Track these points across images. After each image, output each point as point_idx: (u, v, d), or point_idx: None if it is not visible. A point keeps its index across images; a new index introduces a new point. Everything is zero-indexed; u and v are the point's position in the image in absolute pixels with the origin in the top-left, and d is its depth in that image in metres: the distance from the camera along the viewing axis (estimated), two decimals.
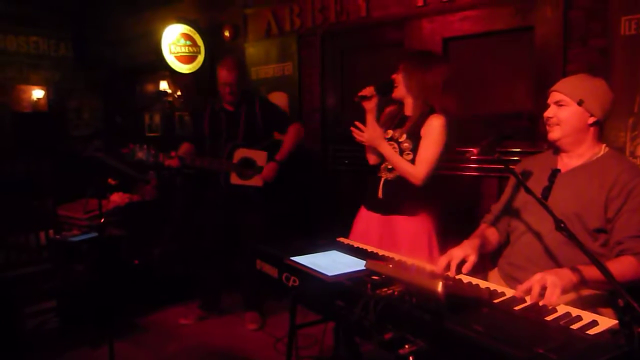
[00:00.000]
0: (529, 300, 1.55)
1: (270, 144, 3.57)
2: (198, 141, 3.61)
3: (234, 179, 3.49)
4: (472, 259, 1.83)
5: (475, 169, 3.54)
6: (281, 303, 3.87)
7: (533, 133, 3.24)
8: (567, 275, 1.61)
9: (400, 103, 2.67)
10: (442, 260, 1.85)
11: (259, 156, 3.52)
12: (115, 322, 3.14)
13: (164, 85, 5.74)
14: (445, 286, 1.35)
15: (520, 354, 1.14)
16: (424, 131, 2.50)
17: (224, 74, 3.43)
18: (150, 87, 6.27)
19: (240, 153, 3.49)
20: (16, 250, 3.49)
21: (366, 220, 2.69)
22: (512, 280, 1.99)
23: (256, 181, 3.51)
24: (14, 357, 3.11)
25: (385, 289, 1.50)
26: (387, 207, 2.59)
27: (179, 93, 5.60)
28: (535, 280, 1.56)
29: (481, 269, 2.22)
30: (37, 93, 7.01)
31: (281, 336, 3.35)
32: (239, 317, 3.74)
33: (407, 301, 1.44)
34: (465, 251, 1.86)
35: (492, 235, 2.18)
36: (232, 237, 3.66)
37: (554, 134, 1.95)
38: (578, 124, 1.91)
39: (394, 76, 2.60)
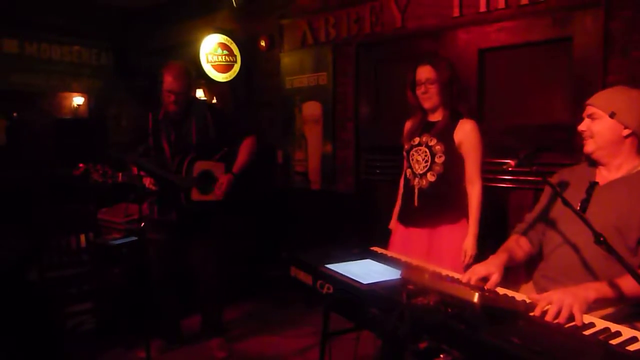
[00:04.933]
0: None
1: (224, 155, 3.31)
2: (145, 155, 3.22)
3: (195, 195, 3.17)
4: (495, 277, 1.81)
5: (509, 181, 3.51)
6: (311, 310, 3.92)
7: (570, 145, 3.19)
8: (583, 295, 1.55)
9: (423, 112, 2.67)
10: (464, 278, 1.86)
11: (217, 168, 3.25)
12: (152, 325, 3.21)
13: (199, 94, 5.88)
14: (481, 297, 1.36)
15: None
16: (460, 136, 2.53)
17: (169, 81, 3.10)
18: None
19: (199, 166, 3.19)
20: (58, 252, 3.60)
21: (405, 237, 2.68)
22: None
23: (216, 195, 3.21)
24: (53, 356, 3.21)
25: (421, 299, 1.51)
26: (425, 216, 2.59)
27: (214, 101, 5.72)
28: (554, 300, 1.52)
29: (514, 282, 2.21)
30: (78, 100, 7.29)
31: (311, 344, 3.38)
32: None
33: (442, 311, 1.44)
34: (489, 269, 1.85)
35: (524, 245, 2.15)
36: (184, 257, 3.37)
37: (588, 147, 1.95)
38: (612, 136, 1.89)
39: (423, 88, 2.59)
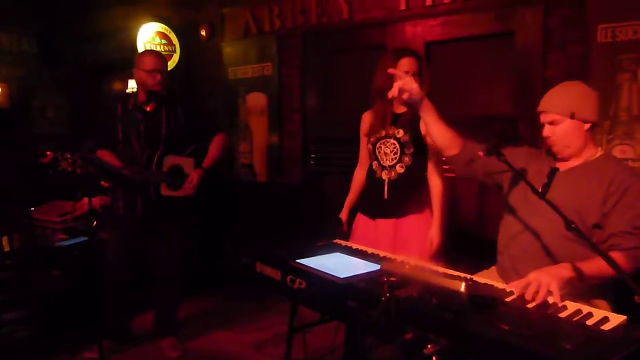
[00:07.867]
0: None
1: (194, 150, 3.22)
2: (113, 148, 3.11)
3: (165, 190, 3.06)
4: None
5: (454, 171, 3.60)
6: (263, 306, 3.89)
7: (513, 134, 3.34)
8: (558, 274, 1.67)
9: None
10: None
11: (187, 164, 3.16)
12: (99, 326, 3.06)
13: (133, 84, 5.61)
14: (468, 287, 1.39)
15: (550, 351, 1.19)
16: None
17: (152, 61, 3.00)
18: (118, 86, 6.11)
19: (170, 161, 3.08)
20: None
21: (371, 228, 2.68)
22: (511, 279, 2.04)
23: (185, 191, 3.11)
24: None
25: (404, 290, 1.53)
26: (395, 208, 2.61)
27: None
28: (531, 280, 1.63)
29: (477, 267, 2.29)
30: None
31: (266, 339, 3.36)
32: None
33: (428, 302, 1.47)
34: None
35: None
36: (142, 256, 3.27)
37: (561, 152, 2.02)
38: (575, 133, 1.99)
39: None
